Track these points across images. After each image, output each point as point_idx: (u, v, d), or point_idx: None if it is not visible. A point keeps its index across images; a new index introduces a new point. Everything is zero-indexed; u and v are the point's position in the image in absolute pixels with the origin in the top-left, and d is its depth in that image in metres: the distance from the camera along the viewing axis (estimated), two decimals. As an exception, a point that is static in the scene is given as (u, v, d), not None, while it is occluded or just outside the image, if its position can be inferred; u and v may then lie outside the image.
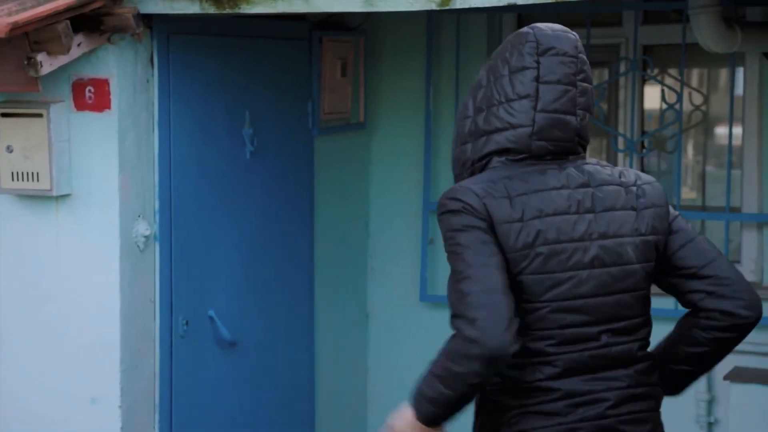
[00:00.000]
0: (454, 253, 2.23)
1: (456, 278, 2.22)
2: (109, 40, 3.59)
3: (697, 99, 4.74)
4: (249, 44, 4.20)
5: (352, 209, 4.98)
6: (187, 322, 3.92)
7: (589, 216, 2.26)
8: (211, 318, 4.03)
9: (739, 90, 4.58)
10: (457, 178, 2.39)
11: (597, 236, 2.26)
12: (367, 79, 4.89)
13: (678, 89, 4.56)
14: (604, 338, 2.26)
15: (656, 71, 4.69)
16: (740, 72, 4.56)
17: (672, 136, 4.68)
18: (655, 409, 2.36)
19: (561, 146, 2.30)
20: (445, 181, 4.93)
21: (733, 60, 4.42)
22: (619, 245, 2.26)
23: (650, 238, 2.30)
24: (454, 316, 2.24)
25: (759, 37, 4.21)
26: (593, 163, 2.36)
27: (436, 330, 5.04)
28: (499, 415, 2.30)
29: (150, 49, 3.75)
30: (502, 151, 2.31)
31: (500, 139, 2.30)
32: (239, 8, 3.56)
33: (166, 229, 3.85)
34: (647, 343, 2.36)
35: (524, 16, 4.88)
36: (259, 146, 4.24)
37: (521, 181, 2.26)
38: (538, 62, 2.29)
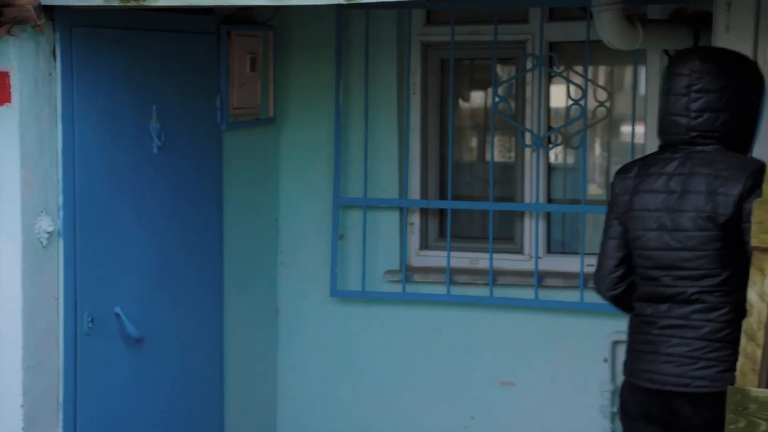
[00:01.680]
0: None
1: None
2: (9, 32, 3.51)
3: (602, 96, 4.82)
4: (156, 38, 4.15)
5: (262, 204, 4.96)
6: (92, 320, 3.86)
7: (673, 195, 3.14)
8: (117, 315, 3.97)
9: (642, 87, 4.68)
10: None
11: (670, 210, 3.14)
12: (276, 74, 4.87)
13: (583, 86, 4.64)
14: (665, 280, 3.14)
15: (562, 68, 4.77)
16: (643, 69, 4.65)
17: (577, 132, 4.76)
18: (703, 339, 3.09)
19: (676, 139, 3.19)
20: (355, 176, 4.94)
21: (635, 57, 4.51)
22: (680, 217, 3.13)
23: (708, 214, 3.08)
24: None
25: (660, 35, 4.31)
26: (708, 154, 3.14)
27: (346, 325, 5.07)
28: None
29: (52, 41, 3.68)
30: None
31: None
32: (145, 0, 3.52)
33: (70, 225, 3.78)
34: (715, 291, 3.09)
35: (433, 11, 4.92)
36: (166, 141, 4.19)
37: (647, 165, 3.24)
38: (668, 81, 3.23)
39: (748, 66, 3.25)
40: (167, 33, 4.20)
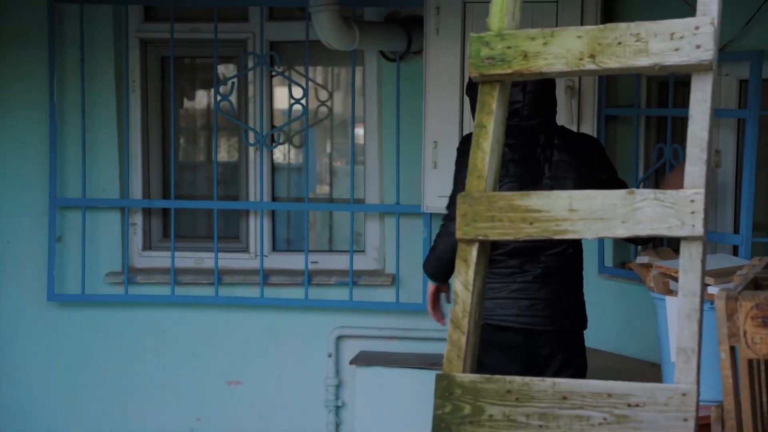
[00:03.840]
0: None
1: None
2: None
3: (324, 95, 4.90)
4: None
5: (-29, 207, 4.71)
6: None
7: None
8: None
9: (361, 88, 4.79)
10: None
11: None
12: (-16, 69, 4.64)
13: (304, 85, 4.69)
14: None
15: (284, 67, 4.80)
16: (362, 70, 4.77)
17: (300, 131, 4.82)
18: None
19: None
20: (73, 175, 4.77)
21: (353, 58, 4.61)
22: None
23: None
24: None
25: (375, 36, 4.43)
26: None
27: (65, 329, 4.89)
28: None
29: None
30: None
31: None
32: None
33: None
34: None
35: (151, 8, 4.83)
36: None
37: None
38: None
39: None
40: None
